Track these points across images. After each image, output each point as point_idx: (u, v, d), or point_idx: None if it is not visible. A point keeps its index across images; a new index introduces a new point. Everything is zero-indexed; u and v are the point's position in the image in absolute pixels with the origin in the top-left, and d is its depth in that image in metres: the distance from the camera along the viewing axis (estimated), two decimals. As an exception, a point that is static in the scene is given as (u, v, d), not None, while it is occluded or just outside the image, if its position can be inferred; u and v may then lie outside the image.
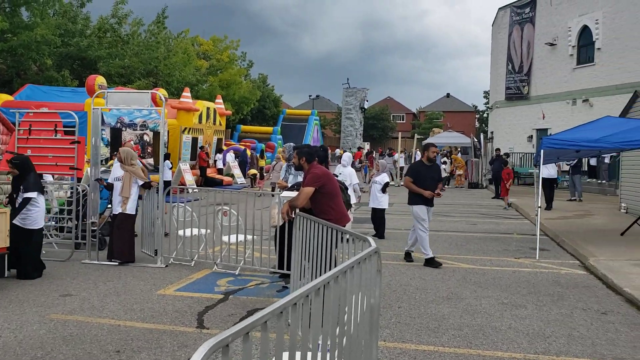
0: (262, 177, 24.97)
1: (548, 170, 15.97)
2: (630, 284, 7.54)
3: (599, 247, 10.14)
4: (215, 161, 26.32)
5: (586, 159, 21.90)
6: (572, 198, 19.75)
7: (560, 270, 8.88)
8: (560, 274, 8.61)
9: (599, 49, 26.05)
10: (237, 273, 8.20)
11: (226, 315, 6.28)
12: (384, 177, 11.81)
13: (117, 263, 8.64)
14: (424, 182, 9.01)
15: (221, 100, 28.73)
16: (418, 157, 41.49)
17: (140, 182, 8.89)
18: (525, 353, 5.21)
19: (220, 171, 26.05)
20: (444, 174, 27.32)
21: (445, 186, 25.86)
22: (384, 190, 11.68)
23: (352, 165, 24.43)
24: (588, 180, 22.85)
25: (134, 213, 8.89)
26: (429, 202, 9.06)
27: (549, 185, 16.51)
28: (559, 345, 5.43)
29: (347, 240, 4.52)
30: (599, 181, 23.09)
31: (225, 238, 8.47)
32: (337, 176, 8.82)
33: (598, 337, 5.69)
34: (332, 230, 4.90)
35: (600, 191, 22.58)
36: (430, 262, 9.02)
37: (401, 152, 35.08)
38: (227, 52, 40.23)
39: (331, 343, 2.96)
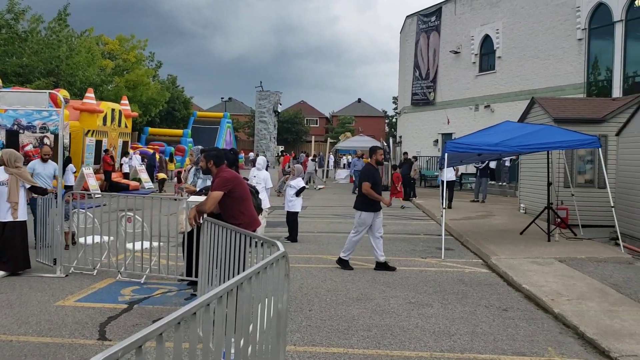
0: (179, 181, 24.28)
1: (448, 173, 16.79)
2: (529, 281, 7.94)
3: (500, 246, 10.63)
4: (120, 165, 25.32)
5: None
6: (475, 199, 20.66)
7: (464, 269, 9.22)
8: (465, 272, 8.94)
9: (499, 57, 27.47)
10: (142, 281, 7.89)
11: (130, 325, 6.00)
12: (299, 182, 11.81)
13: (6, 274, 8.05)
14: (378, 186, 9.00)
15: (127, 102, 27.66)
16: (332, 161, 42.07)
17: (28, 185, 8.35)
18: (431, 351, 5.34)
19: (126, 175, 25.09)
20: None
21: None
22: (297, 194, 11.68)
23: (269, 169, 24.46)
24: (490, 182, 23.99)
25: (25, 219, 8.34)
26: (377, 208, 9.02)
27: (449, 187, 17.34)
28: (463, 343, 5.60)
29: (256, 244, 4.44)
30: (500, 183, 24.32)
31: (129, 245, 8.12)
32: (247, 180, 8.66)
33: (499, 332, 5.93)
34: (242, 236, 4.79)
35: (501, 193, 23.78)
36: (344, 264, 9.09)
37: (314, 155, 35.34)
38: (134, 52, 38.82)
39: (235, 351, 2.87)
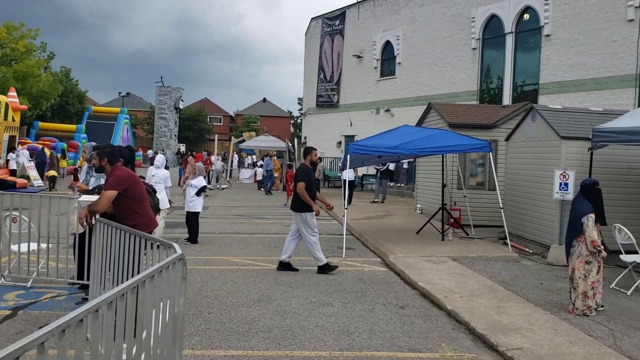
0: (76, 179, 22.98)
1: (349, 174, 17.68)
2: (424, 279, 8.24)
3: (397, 245, 10.96)
4: (7, 161, 23.63)
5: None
6: (376, 200, 21.19)
7: (364, 267, 9.42)
8: (364, 271, 9.13)
9: (399, 63, 28.38)
10: (29, 285, 7.38)
11: (13, 333, 5.59)
12: (200, 181, 11.55)
13: None
14: (312, 186, 8.92)
15: (15, 94, 25.91)
16: (236, 160, 41.59)
17: None
18: (330, 350, 5.39)
19: (13, 172, 23.45)
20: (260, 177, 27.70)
21: (262, 189, 26.19)
22: (198, 193, 11.42)
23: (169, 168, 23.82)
24: (389, 183, 24.72)
25: None
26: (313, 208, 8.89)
27: (349, 186, 18.23)
28: (362, 341, 5.71)
29: (152, 246, 4.28)
30: (398, 184, 25.14)
31: (14, 247, 7.57)
32: (144, 178, 8.34)
33: (396, 330, 6.10)
34: (136, 237, 4.60)
35: (399, 193, 24.58)
36: (324, 268, 8.84)
37: (217, 154, 34.78)
38: (23, 42, 36.33)
39: (127, 358, 2.73)
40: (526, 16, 22.36)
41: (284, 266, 8.99)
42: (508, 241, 11.20)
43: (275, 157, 32.29)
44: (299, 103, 68.69)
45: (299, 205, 8.83)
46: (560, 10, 20.69)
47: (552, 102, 19.24)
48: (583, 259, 6.82)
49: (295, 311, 6.67)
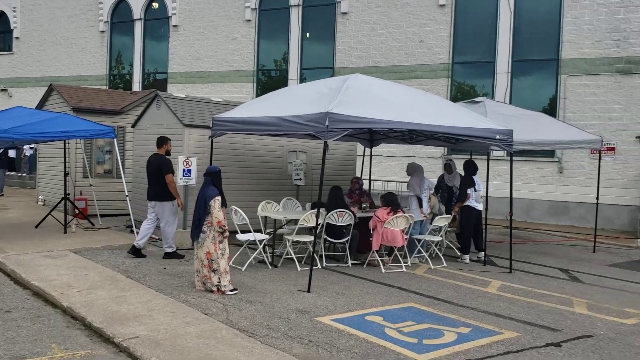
0: None
1: None
2: (39, 276, 7.48)
3: (10, 242, 9.75)
4: None
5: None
6: (1, 193, 18.51)
7: (-36, 271, 8.05)
8: (-36, 275, 7.80)
9: (17, 38, 25.48)
10: None
11: None
12: None
13: None
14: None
15: None
16: None
17: None
18: None
19: None
20: None
21: None
22: None
23: None
24: (9, 173, 22.01)
25: None
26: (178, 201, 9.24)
27: None
28: (-50, 358, 4.80)
29: None
30: (20, 174, 22.58)
31: None
32: None
33: (-3, 338, 5.33)
34: None
35: (20, 184, 22.08)
36: (173, 255, 9.13)
37: None
38: None
39: None
40: (155, 5, 22.57)
41: (136, 252, 9.04)
42: (134, 228, 11.06)
43: None
44: None
45: (164, 194, 8.99)
46: (186, 3, 21.49)
47: (180, 92, 19.91)
48: (216, 240, 7.16)
49: None
